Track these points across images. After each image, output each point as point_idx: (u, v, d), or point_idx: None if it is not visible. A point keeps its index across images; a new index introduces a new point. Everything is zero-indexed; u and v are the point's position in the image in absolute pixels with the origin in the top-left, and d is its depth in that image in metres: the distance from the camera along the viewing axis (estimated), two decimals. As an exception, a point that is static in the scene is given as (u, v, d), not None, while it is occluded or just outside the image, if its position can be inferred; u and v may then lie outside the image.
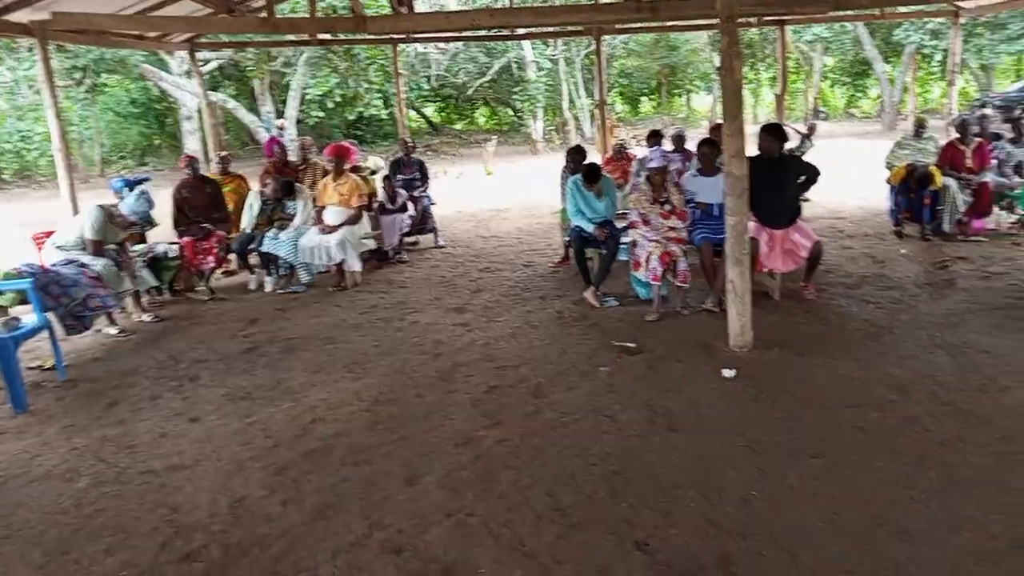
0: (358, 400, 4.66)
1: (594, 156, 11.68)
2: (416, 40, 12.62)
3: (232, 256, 7.91)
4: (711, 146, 6.51)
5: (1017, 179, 8.22)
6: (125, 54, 17.43)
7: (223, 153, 9.09)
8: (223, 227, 7.64)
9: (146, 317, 6.68)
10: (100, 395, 4.99)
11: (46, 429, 4.50)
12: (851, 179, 12.24)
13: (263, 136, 19.74)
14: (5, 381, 4.83)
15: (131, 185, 7.19)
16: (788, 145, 7.00)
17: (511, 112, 30.46)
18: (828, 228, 9.19)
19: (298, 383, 5.02)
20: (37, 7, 6.79)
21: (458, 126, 34.56)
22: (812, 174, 6.35)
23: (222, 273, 8.12)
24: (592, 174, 6.42)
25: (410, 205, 8.89)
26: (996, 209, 8.36)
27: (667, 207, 6.12)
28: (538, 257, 8.48)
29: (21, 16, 6.88)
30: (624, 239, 6.53)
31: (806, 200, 9.71)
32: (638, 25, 12.17)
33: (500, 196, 14.03)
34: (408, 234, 8.98)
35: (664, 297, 6.11)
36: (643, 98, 38.05)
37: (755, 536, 3.03)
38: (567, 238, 7.47)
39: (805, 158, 7.45)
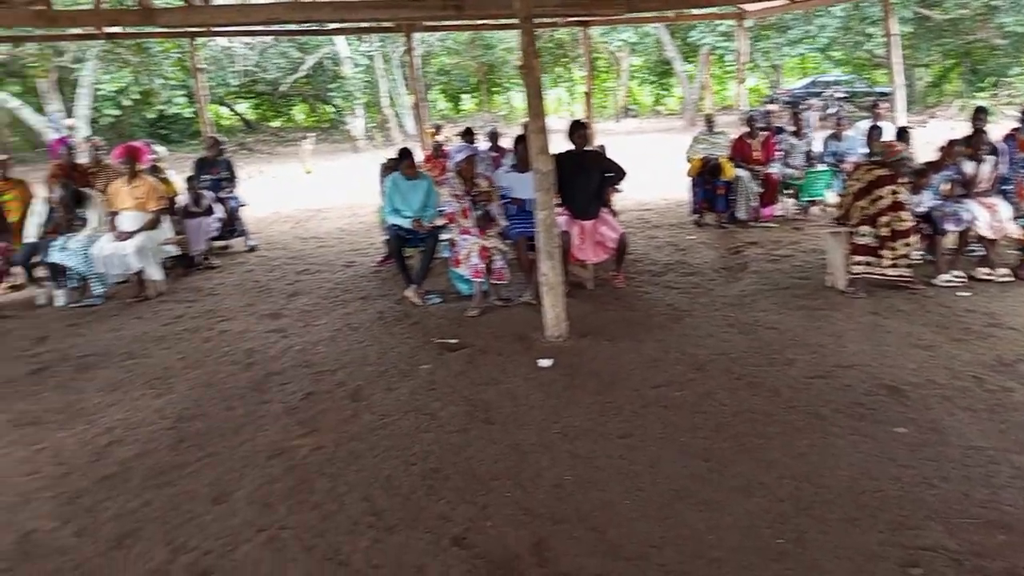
0: (160, 418, 4.36)
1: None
2: (215, 34, 11.99)
3: (17, 269, 7.17)
4: (526, 143, 6.66)
5: (796, 170, 9.02)
6: None
7: (1, 157, 8.19)
8: (5, 237, 6.92)
9: None
10: None
11: None
12: (657, 173, 12.96)
13: (51, 137, 18.04)
14: None
15: None
16: None
17: (331, 109, 29.74)
18: (636, 219, 9.69)
19: (93, 404, 4.63)
20: None
21: (275, 123, 33.30)
22: (618, 172, 6.65)
23: (7, 288, 7.34)
24: (404, 155, 6.57)
25: (217, 207, 8.44)
26: (783, 197, 9.15)
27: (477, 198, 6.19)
28: (360, 257, 8.33)
29: None
30: (443, 236, 6.56)
31: (618, 191, 10.18)
32: (446, 23, 12.21)
33: (320, 195, 13.66)
34: (217, 238, 8.53)
35: (485, 292, 6.19)
36: (464, 96, 38.42)
37: (567, 519, 3.13)
38: (386, 237, 7.40)
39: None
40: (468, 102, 38.56)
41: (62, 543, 3.17)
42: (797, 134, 9.32)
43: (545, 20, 11.55)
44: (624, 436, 3.85)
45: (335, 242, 9.33)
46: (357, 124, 23.54)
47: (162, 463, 3.82)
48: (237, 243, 9.05)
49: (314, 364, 5.12)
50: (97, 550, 3.11)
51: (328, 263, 8.16)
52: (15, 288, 7.48)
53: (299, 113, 35.32)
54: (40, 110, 18.95)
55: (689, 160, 9.21)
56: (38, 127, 18.60)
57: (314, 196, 13.62)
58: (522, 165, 6.69)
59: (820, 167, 8.96)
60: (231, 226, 8.71)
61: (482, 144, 9.26)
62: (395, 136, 24.29)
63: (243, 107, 31.88)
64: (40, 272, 7.12)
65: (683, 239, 8.42)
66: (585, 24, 12.15)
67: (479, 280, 6.01)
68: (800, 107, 19.85)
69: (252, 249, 8.93)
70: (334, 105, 27.27)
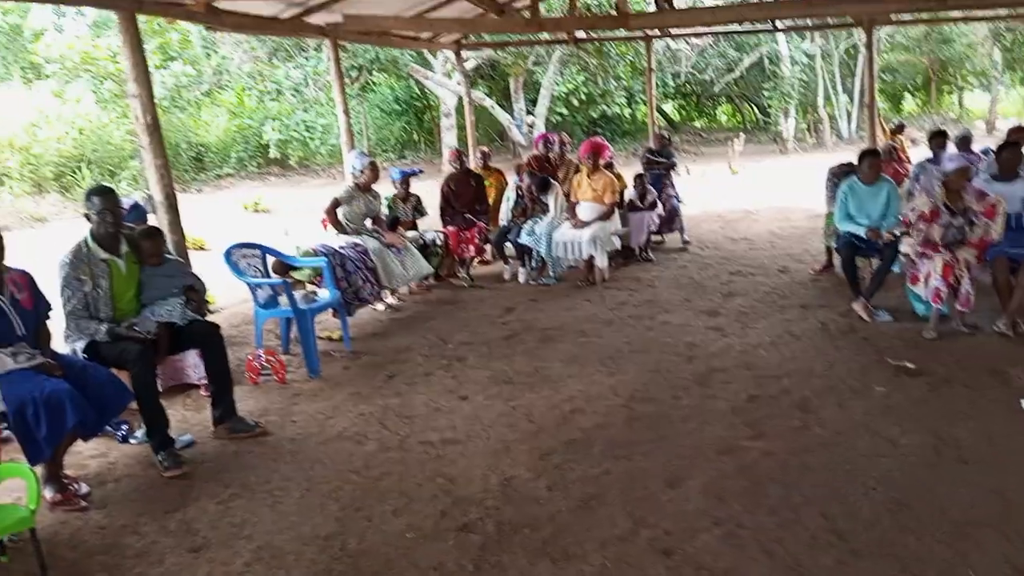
0: (614, 395, 4.72)
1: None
2: (671, 36, 12.48)
3: (489, 246, 8.32)
4: (1014, 149, 5.84)
5: None
6: (396, 54, 18.90)
7: (484, 149, 9.58)
8: (483, 219, 8.07)
9: (389, 302, 7.08)
10: (380, 367, 5.48)
11: (336, 394, 5.01)
12: None
13: (515, 132, 20.54)
14: (303, 348, 5.46)
15: (407, 176, 7.82)
16: None
17: (755, 110, 29.23)
18: None
19: (555, 372, 5.18)
20: (331, 10, 7.52)
21: (698, 124, 33.77)
22: None
23: (479, 262, 8.56)
24: (866, 155, 6.26)
25: (658, 203, 8.82)
26: None
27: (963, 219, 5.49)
28: (794, 263, 8.06)
29: (317, 19, 7.67)
30: (902, 248, 6.04)
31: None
32: (915, 17, 11.11)
33: (747, 196, 13.50)
34: (655, 233, 8.92)
35: (944, 315, 5.56)
36: (907, 95, 34.92)
37: (1077, 593, 2.68)
38: (831, 244, 7.06)
39: None
40: (910, 102, 34.98)
41: (537, 494, 3.60)
42: None
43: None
44: None
45: (767, 245, 9.16)
46: (788, 125, 22.78)
47: (618, 438, 4.12)
48: (670, 239, 9.38)
49: (755, 367, 5.09)
50: (567, 506, 3.46)
51: (761, 266, 8.04)
52: (486, 263, 8.68)
53: (722, 114, 35.34)
54: (504, 108, 21.65)
55: None
56: (502, 123, 21.29)
57: (742, 197, 13.50)
58: (1006, 174, 5.89)
59: None
60: (670, 222, 9.05)
61: (950, 148, 8.29)
62: (827, 139, 23.02)
63: (669, 107, 32.84)
64: (508, 251, 8.17)
65: None
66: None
67: (938, 306, 5.41)
68: None
69: (685, 246, 9.19)
70: (761, 105, 26.75)
